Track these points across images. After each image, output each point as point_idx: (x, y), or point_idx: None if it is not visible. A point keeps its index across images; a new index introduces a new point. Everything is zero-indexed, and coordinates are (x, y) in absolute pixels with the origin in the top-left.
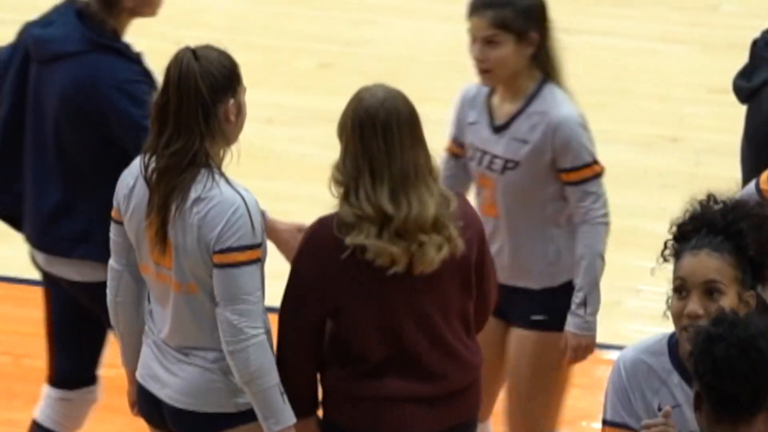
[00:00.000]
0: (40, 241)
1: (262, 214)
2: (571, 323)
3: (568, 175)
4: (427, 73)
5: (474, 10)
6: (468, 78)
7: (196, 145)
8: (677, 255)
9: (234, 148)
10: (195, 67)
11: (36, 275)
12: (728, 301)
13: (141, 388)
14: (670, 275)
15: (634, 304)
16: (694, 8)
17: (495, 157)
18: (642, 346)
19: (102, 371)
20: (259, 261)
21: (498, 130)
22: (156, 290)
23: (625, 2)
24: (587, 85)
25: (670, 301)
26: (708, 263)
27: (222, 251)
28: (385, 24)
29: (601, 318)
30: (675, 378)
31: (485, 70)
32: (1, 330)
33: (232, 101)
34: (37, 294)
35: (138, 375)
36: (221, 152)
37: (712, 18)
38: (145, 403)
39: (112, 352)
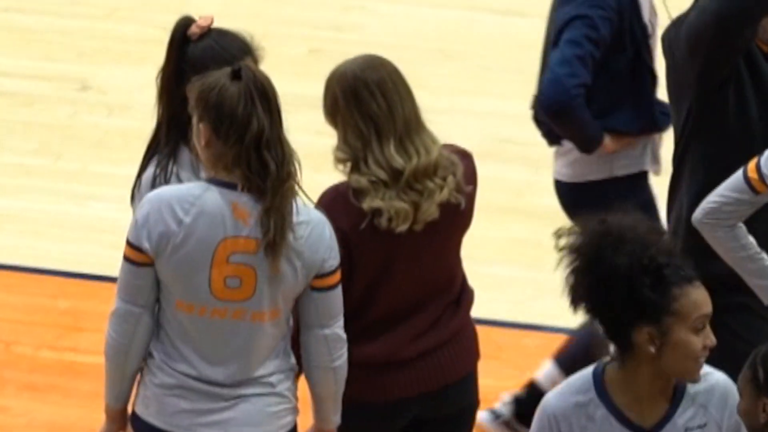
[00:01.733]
0: None
1: None
2: None
3: None
4: (416, 59)
5: None
6: (456, 64)
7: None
8: (671, 284)
9: None
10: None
11: (26, 262)
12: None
13: None
14: None
15: None
16: None
17: None
18: (566, 389)
19: (91, 359)
20: None
21: None
22: (203, 328)
23: None
24: None
25: (677, 335)
26: (705, 293)
27: (326, 274)
28: (375, 10)
29: None
30: (600, 411)
31: None
32: None
33: None
34: (27, 281)
35: (171, 426)
36: None
37: None
38: None
39: (98, 339)
